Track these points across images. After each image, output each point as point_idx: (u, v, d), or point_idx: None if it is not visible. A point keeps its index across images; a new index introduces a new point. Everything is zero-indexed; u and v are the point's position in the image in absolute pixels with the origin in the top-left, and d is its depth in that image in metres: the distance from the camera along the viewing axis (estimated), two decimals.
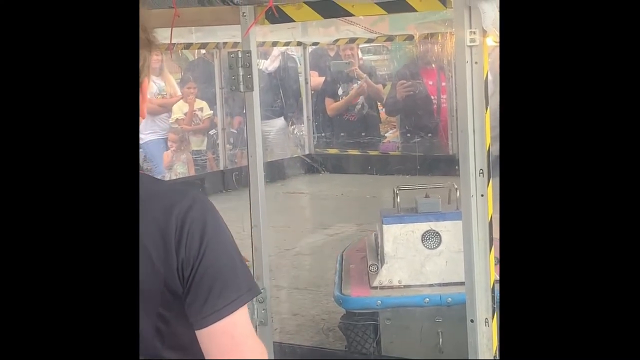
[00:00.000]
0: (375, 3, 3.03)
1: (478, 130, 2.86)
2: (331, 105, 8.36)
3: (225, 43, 7.73)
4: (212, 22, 3.50)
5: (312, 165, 8.54)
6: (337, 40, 8.20)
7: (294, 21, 3.28)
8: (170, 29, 3.37)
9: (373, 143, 8.48)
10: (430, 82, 8.10)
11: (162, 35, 5.09)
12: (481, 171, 2.86)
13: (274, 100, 9.02)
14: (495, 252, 3.06)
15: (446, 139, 7.89)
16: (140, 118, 1.58)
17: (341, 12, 3.12)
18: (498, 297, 2.82)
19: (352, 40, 8.23)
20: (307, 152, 8.66)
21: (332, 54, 8.85)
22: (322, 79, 8.86)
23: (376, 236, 3.80)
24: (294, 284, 5.04)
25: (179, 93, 8.83)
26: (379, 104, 8.57)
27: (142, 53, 1.58)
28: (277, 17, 3.21)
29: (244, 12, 3.25)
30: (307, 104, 8.51)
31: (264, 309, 3.37)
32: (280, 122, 9.16)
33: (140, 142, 8.80)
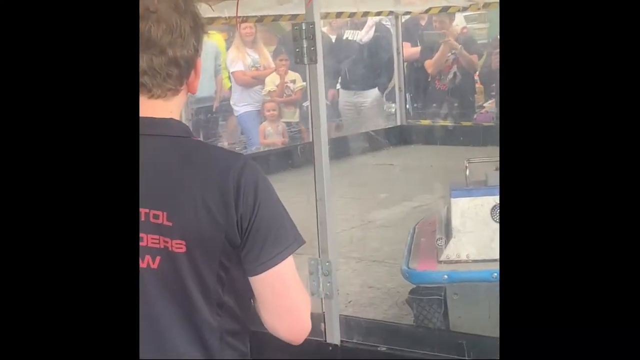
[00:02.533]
0: None
1: None
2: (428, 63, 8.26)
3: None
4: None
5: (403, 137, 8.48)
6: (429, 9, 8.06)
7: None
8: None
9: (466, 114, 8.34)
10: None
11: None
12: None
13: (367, 72, 8.98)
14: None
15: None
16: (191, 93, 1.84)
17: None
18: None
19: (445, 9, 8.07)
20: (398, 123, 8.59)
21: (423, 23, 8.73)
22: (415, 49, 8.76)
23: (447, 210, 3.74)
24: (373, 256, 5.03)
25: (273, 65, 8.89)
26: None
27: (200, 35, 1.79)
28: None
29: None
30: (399, 75, 8.42)
31: (329, 282, 3.36)
32: (374, 93, 9.11)
33: (235, 114, 8.94)
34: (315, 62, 3.30)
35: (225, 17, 5.36)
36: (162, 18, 1.71)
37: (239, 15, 3.78)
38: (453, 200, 3.44)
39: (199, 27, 1.78)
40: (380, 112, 9.27)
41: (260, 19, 7.24)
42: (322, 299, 3.37)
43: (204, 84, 8.76)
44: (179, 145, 1.76)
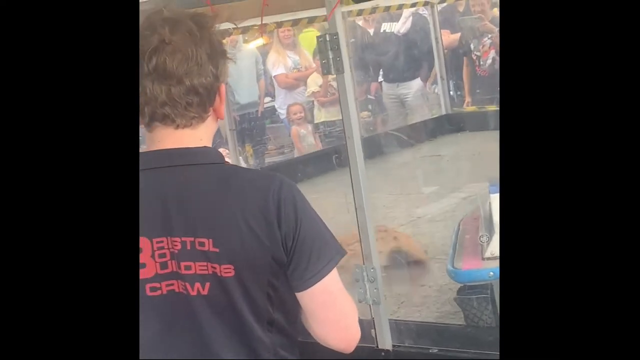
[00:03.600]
0: None
1: None
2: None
3: (350, 12, 7.70)
4: (299, 7, 3.51)
5: (450, 125, 8.42)
6: None
7: None
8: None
9: None
10: None
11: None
12: None
13: (408, 62, 8.94)
14: None
15: None
16: (220, 120, 1.87)
17: None
18: None
19: None
20: (444, 112, 8.53)
21: (461, 9, 8.66)
22: (454, 36, 8.69)
23: (489, 205, 3.72)
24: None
25: (313, 65, 8.90)
26: None
27: (220, 61, 1.83)
28: None
29: None
30: (439, 64, 8.36)
31: (375, 288, 3.37)
32: (416, 83, 9.06)
33: (281, 117, 8.98)
34: (342, 72, 3.31)
35: (258, 25, 5.40)
36: (177, 49, 1.73)
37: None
38: (492, 196, 3.42)
39: (217, 53, 1.80)
40: (425, 102, 9.21)
41: (295, 22, 7.27)
42: (370, 305, 3.39)
43: (247, 91, 8.83)
44: (214, 172, 1.79)
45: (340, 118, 9.17)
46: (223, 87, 1.84)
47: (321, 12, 7.14)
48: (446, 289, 4.41)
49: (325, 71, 3.38)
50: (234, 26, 3.66)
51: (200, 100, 1.78)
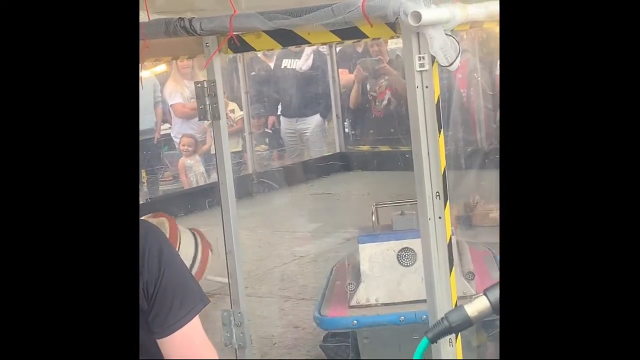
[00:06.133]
0: (329, 31, 3.05)
1: (432, 153, 2.85)
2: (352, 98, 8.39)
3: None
4: (179, 53, 3.55)
5: (343, 164, 8.56)
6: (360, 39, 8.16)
7: (255, 50, 3.31)
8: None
9: (404, 139, 8.44)
10: (460, 75, 7.99)
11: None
12: (437, 194, 2.86)
13: (308, 99, 9.06)
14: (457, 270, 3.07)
15: (474, 134, 7.80)
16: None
17: (298, 40, 3.14)
18: None
19: (377, 38, 8.16)
20: (337, 150, 8.67)
21: (360, 49, 8.84)
22: (352, 76, 8.85)
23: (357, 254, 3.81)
24: (302, 293, 5.09)
25: None
26: None
27: None
28: (239, 46, 3.25)
29: (206, 43, 3.30)
30: (335, 102, 8.52)
31: (242, 333, 3.43)
32: (316, 119, 9.18)
33: (176, 145, 8.96)
34: (219, 118, 3.37)
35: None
36: None
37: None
38: (360, 246, 3.51)
39: None
40: (323, 138, 9.34)
41: (192, 54, 7.29)
42: (236, 349, 3.44)
43: (144, 117, 8.80)
44: None
45: (240, 149, 9.13)
46: None
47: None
48: (318, 332, 4.47)
49: (201, 117, 3.44)
50: None
51: None
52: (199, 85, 3.38)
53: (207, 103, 3.37)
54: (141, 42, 3.31)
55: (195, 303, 1.81)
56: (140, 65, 3.39)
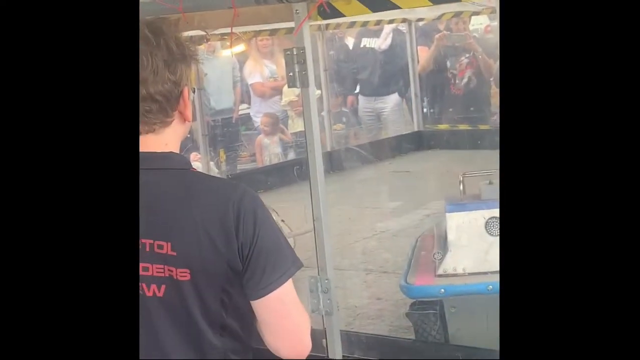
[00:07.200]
0: None
1: None
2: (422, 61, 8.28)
3: (327, 25, 7.78)
4: (269, 20, 3.57)
5: (422, 142, 8.51)
6: (442, 15, 8.09)
7: (345, 16, 3.31)
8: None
9: (483, 117, 8.35)
10: None
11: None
12: None
13: (386, 77, 9.02)
14: None
15: None
16: (187, 122, 1.89)
17: (389, 5, 3.13)
18: None
19: (458, 14, 8.09)
20: (415, 128, 8.62)
21: (441, 27, 8.74)
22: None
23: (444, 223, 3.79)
24: (384, 267, 5.09)
25: None
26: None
27: (179, 66, 1.78)
28: (329, 12, 3.25)
29: (297, 10, 3.30)
30: (414, 81, 8.46)
31: (329, 299, 3.43)
32: (394, 98, 9.14)
33: (255, 125, 9.03)
34: (307, 86, 3.38)
35: (238, 34, 5.47)
36: None
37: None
38: (448, 215, 3.50)
39: (176, 59, 1.81)
40: (401, 117, 9.30)
41: (273, 32, 7.33)
42: (323, 316, 3.45)
43: (222, 96, 8.90)
44: (178, 178, 1.84)
45: None
46: (186, 91, 1.85)
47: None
48: (402, 303, 4.47)
49: (290, 84, 3.45)
50: (207, 33, 3.73)
51: (160, 106, 1.81)
52: (288, 52, 3.39)
53: (297, 70, 3.38)
54: (231, 11, 3.34)
55: (288, 266, 1.83)
56: (231, 30, 3.42)
